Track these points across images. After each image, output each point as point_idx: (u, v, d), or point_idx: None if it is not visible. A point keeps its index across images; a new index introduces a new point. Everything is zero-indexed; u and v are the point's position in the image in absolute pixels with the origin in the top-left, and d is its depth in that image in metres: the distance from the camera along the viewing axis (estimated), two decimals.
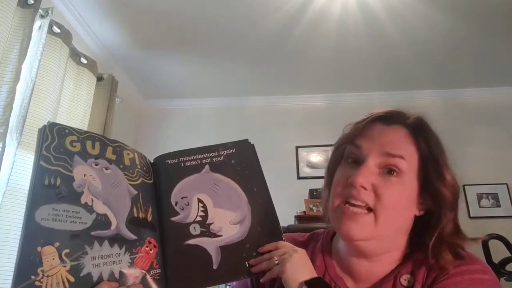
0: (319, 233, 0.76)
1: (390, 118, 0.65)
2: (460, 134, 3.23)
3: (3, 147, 1.59)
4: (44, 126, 0.58)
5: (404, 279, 0.61)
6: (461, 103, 3.40)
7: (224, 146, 0.70)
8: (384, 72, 3.14)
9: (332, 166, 0.69)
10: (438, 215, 0.61)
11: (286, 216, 2.84)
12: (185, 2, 2.30)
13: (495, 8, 2.31)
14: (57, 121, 2.04)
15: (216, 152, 0.69)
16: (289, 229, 1.11)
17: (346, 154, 0.65)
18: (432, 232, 0.60)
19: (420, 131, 0.63)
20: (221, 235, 0.62)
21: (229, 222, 0.63)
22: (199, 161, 0.68)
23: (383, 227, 0.60)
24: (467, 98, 3.41)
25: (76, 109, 2.21)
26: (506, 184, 3.10)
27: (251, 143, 0.72)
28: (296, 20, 2.45)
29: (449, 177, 0.61)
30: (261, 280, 0.60)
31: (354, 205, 0.60)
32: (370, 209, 0.60)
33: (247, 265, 0.60)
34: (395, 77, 3.21)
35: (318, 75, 3.20)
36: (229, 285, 2.06)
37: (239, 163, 0.68)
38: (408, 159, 0.60)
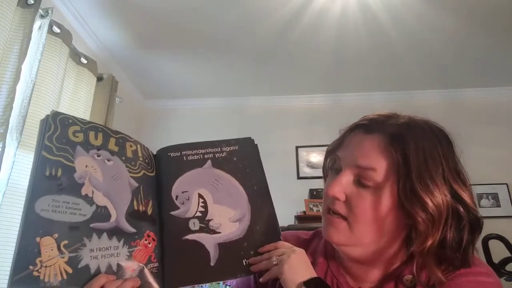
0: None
1: (371, 126, 0.62)
2: (460, 134, 3.21)
3: (3, 147, 1.59)
4: (47, 116, 0.58)
5: (406, 280, 0.61)
6: (461, 103, 3.40)
7: (227, 142, 0.70)
8: (384, 72, 3.14)
9: (326, 170, 0.70)
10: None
11: (286, 216, 2.84)
12: (186, 2, 2.30)
13: (495, 8, 2.31)
14: None
15: (219, 148, 0.68)
16: (289, 229, 1.11)
17: (331, 163, 0.67)
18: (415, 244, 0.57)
19: (398, 140, 0.58)
20: (220, 232, 0.61)
21: (228, 219, 0.62)
22: (201, 155, 0.67)
23: (360, 235, 0.59)
24: (467, 98, 3.41)
25: (76, 109, 2.21)
26: (506, 184, 3.10)
27: (255, 142, 0.71)
28: (296, 20, 2.45)
29: (429, 199, 0.55)
30: (260, 280, 0.60)
31: (334, 213, 0.62)
32: (346, 218, 0.61)
33: (245, 264, 0.60)
34: (395, 77, 3.21)
35: (318, 75, 3.20)
36: (229, 285, 2.06)
37: (241, 160, 0.68)
38: (381, 171, 0.58)
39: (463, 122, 3.29)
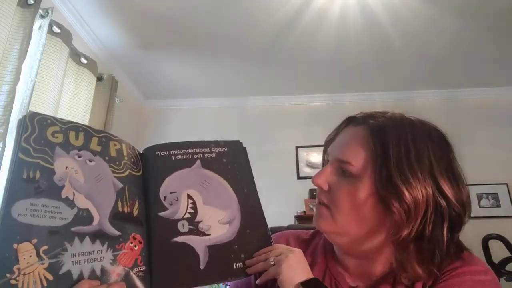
0: None
1: (359, 120, 0.66)
2: (460, 134, 3.21)
3: (3, 147, 1.59)
4: (24, 117, 0.55)
5: (404, 277, 0.60)
6: (461, 103, 3.40)
7: (216, 143, 0.68)
8: (384, 72, 3.13)
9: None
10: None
11: (286, 216, 2.84)
12: (186, 2, 2.30)
13: (495, 8, 2.31)
14: None
15: (208, 149, 0.67)
16: (289, 229, 1.11)
17: (325, 159, 0.70)
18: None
19: (379, 131, 0.60)
20: (210, 234, 0.59)
21: (218, 221, 0.61)
22: (190, 155, 0.65)
23: (341, 223, 0.61)
24: (467, 98, 3.41)
25: (76, 109, 2.21)
26: (506, 184, 3.10)
27: (243, 145, 0.71)
28: (296, 20, 2.45)
29: (406, 190, 0.55)
30: (257, 282, 0.59)
31: (321, 203, 0.65)
32: (328, 207, 0.63)
33: (235, 267, 0.58)
34: (395, 77, 3.21)
35: (318, 75, 3.20)
36: (229, 285, 2.06)
37: (231, 162, 0.67)
38: (357, 163, 0.60)
39: (463, 122, 3.29)
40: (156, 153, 0.65)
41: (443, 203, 0.56)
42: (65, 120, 0.58)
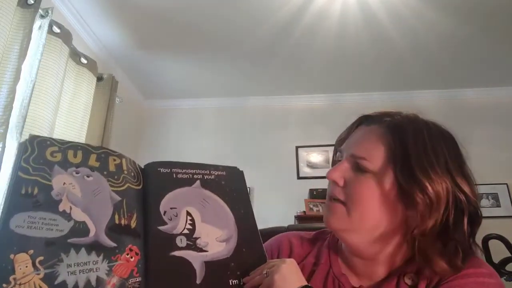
0: (327, 232, 0.77)
1: (373, 119, 0.67)
2: (460, 134, 3.21)
3: (3, 147, 1.59)
4: (25, 140, 0.57)
5: (408, 278, 0.61)
6: (461, 103, 3.40)
7: (215, 167, 0.71)
8: (384, 72, 3.14)
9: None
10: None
11: (286, 216, 2.84)
12: (186, 2, 2.30)
13: (495, 8, 2.31)
14: (57, 121, 2.05)
15: (208, 171, 0.70)
16: (289, 229, 1.11)
17: (337, 157, 0.70)
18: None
19: (397, 130, 0.62)
20: (207, 251, 0.61)
21: (215, 239, 0.63)
22: (191, 175, 0.68)
23: (357, 220, 0.61)
24: (467, 98, 3.41)
25: (76, 109, 2.21)
26: (506, 184, 3.10)
27: (240, 170, 0.74)
28: (296, 20, 2.45)
29: (428, 184, 0.56)
30: None
31: (334, 199, 0.65)
32: (344, 203, 0.63)
33: (231, 284, 0.60)
34: (395, 77, 3.22)
35: (318, 75, 3.20)
36: None
37: (229, 185, 0.70)
38: (373, 160, 0.61)
39: (463, 122, 3.28)
40: (159, 169, 0.67)
41: (462, 197, 0.58)
42: (64, 140, 0.61)
